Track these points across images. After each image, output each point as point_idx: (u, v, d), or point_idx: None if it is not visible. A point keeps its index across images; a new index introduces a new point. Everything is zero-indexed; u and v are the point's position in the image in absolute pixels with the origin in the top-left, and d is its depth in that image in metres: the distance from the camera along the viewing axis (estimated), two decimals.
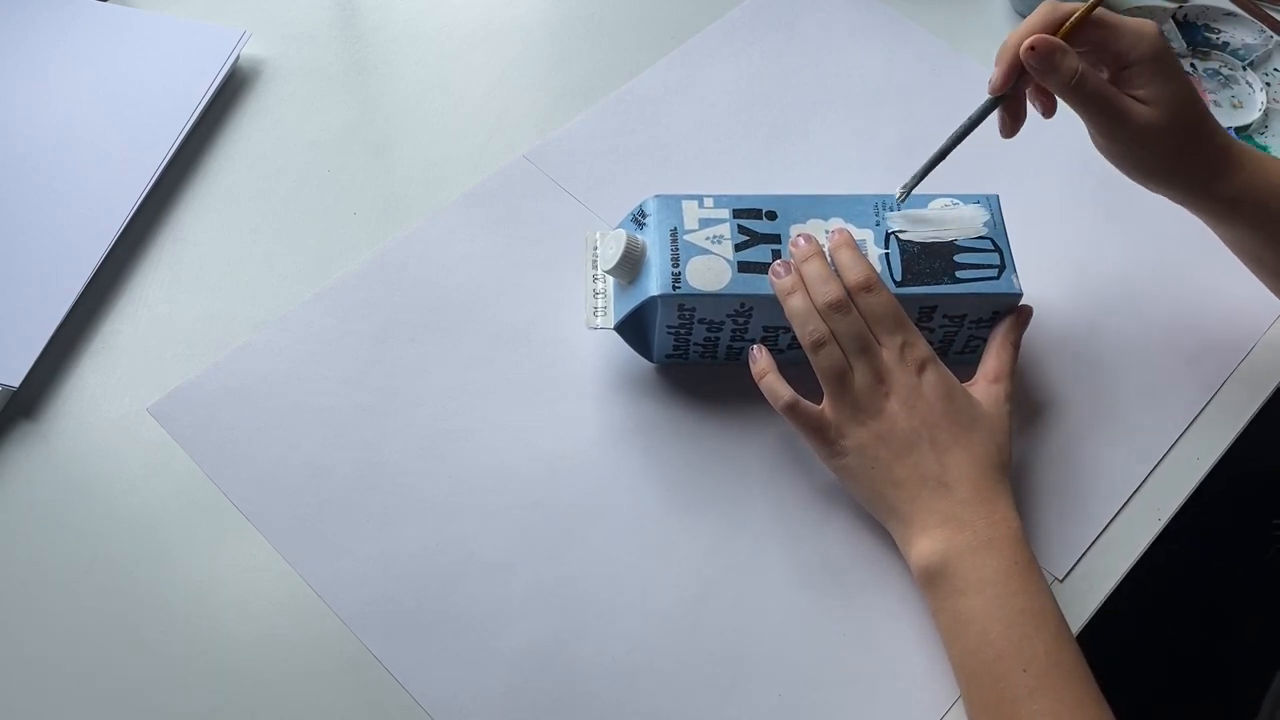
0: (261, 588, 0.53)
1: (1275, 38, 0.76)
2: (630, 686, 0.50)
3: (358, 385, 0.59)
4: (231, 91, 0.72)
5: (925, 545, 0.49)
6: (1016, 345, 0.55)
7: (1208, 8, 0.78)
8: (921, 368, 0.52)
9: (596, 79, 0.74)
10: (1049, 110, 0.55)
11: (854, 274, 0.52)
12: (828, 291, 0.52)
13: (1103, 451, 0.58)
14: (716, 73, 0.74)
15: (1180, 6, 0.78)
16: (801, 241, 0.54)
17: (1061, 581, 0.54)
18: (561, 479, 0.56)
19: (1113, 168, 0.55)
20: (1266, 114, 0.72)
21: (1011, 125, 0.56)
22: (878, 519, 0.53)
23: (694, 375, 0.60)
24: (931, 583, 0.49)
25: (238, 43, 0.72)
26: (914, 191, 0.57)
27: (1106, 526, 0.56)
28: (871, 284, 0.52)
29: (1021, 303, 0.56)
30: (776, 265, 0.54)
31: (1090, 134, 0.54)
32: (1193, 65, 0.75)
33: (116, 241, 0.63)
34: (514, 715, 0.49)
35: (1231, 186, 0.54)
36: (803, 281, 0.53)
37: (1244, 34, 0.77)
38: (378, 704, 0.50)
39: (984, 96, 0.55)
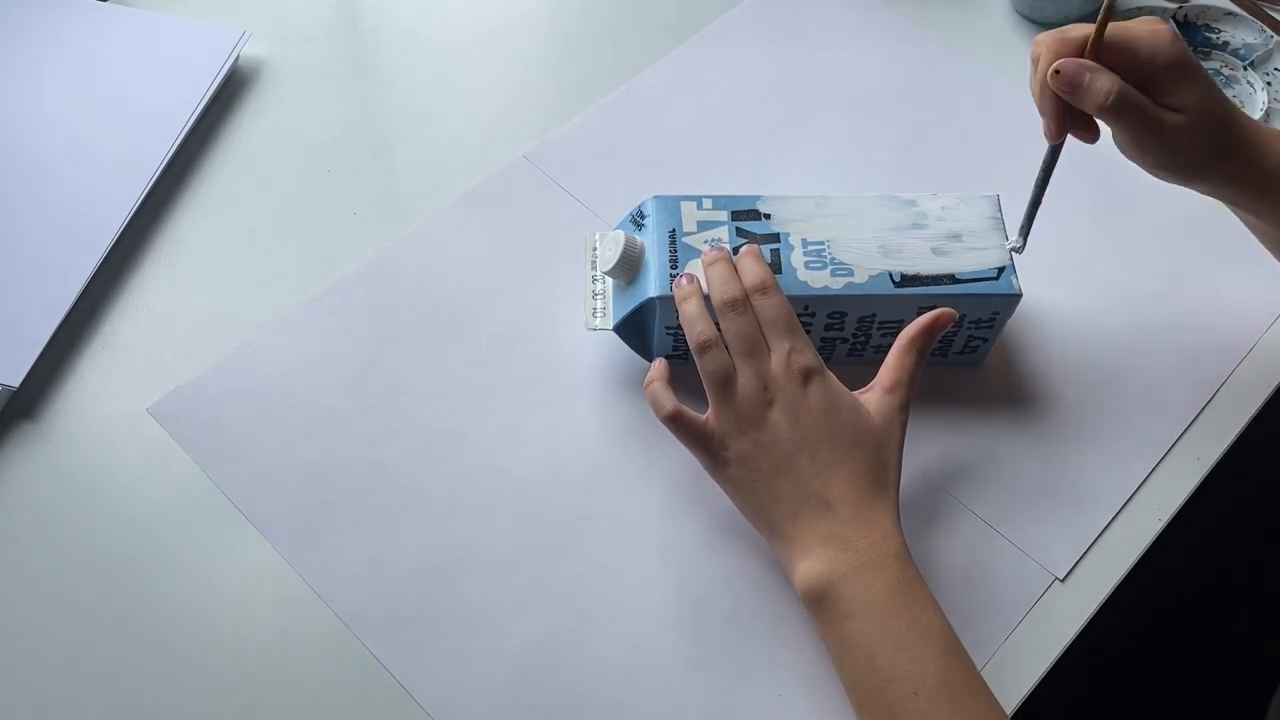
0: (261, 588, 0.53)
1: (1276, 37, 0.76)
2: (630, 686, 0.50)
3: (358, 385, 0.59)
4: (231, 91, 0.72)
5: (808, 567, 0.48)
6: (922, 352, 0.52)
7: (1208, 8, 0.78)
8: (807, 377, 0.50)
9: (596, 79, 0.74)
10: (1090, 137, 0.54)
11: (751, 276, 0.52)
12: (727, 290, 0.51)
13: (1103, 451, 0.58)
14: (716, 73, 0.74)
15: (1180, 6, 0.78)
16: (710, 249, 0.54)
17: (1062, 582, 0.54)
18: (561, 479, 0.56)
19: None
20: (1268, 114, 0.72)
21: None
22: (760, 536, 0.52)
23: (694, 375, 0.59)
24: (816, 606, 0.48)
25: (238, 43, 0.72)
26: (913, 189, 0.57)
27: (1106, 526, 0.56)
28: (767, 286, 0.51)
29: (1013, 304, 0.56)
30: (681, 278, 0.54)
31: (1117, 142, 0.53)
32: None
33: (116, 241, 0.63)
34: (514, 715, 0.49)
35: (1263, 171, 0.53)
36: (700, 289, 0.53)
37: (1244, 34, 0.77)
38: (378, 704, 0.50)
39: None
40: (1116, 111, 0.50)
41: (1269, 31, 0.77)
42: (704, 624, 0.52)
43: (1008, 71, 0.75)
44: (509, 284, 0.63)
